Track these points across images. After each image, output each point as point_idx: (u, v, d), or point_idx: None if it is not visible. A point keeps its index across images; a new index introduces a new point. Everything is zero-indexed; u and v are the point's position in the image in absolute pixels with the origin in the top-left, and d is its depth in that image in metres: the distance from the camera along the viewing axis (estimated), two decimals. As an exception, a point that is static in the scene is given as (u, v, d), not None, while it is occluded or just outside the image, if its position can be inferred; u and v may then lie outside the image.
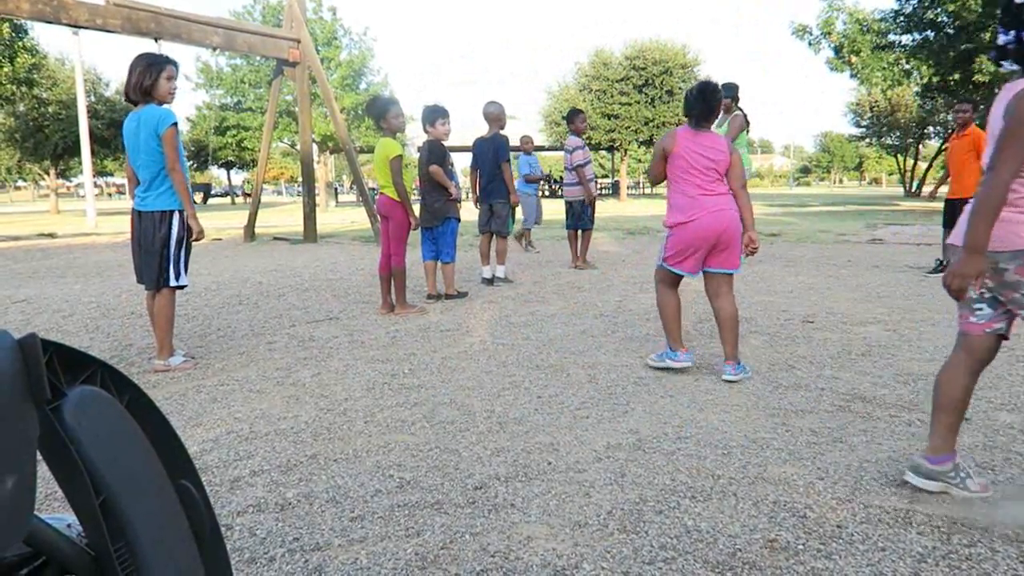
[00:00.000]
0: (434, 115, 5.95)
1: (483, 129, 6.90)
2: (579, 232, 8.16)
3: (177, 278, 3.93)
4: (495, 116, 6.78)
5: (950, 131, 37.04)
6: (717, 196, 3.60)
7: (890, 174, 74.96)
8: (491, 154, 6.73)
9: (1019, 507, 2.11)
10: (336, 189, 38.10)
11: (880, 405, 3.12)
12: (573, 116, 8.05)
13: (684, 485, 2.33)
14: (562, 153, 7.77)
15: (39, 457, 0.71)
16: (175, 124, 3.82)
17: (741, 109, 7.24)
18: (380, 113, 5.44)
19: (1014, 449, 2.59)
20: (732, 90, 7.86)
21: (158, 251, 3.86)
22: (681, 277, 3.75)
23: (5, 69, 23.62)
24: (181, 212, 3.90)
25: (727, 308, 3.62)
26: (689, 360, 3.74)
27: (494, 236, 7.02)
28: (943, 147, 40.33)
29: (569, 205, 8.10)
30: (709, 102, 3.61)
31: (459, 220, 6.18)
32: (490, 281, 6.93)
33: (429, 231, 6.13)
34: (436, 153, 5.99)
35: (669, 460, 2.54)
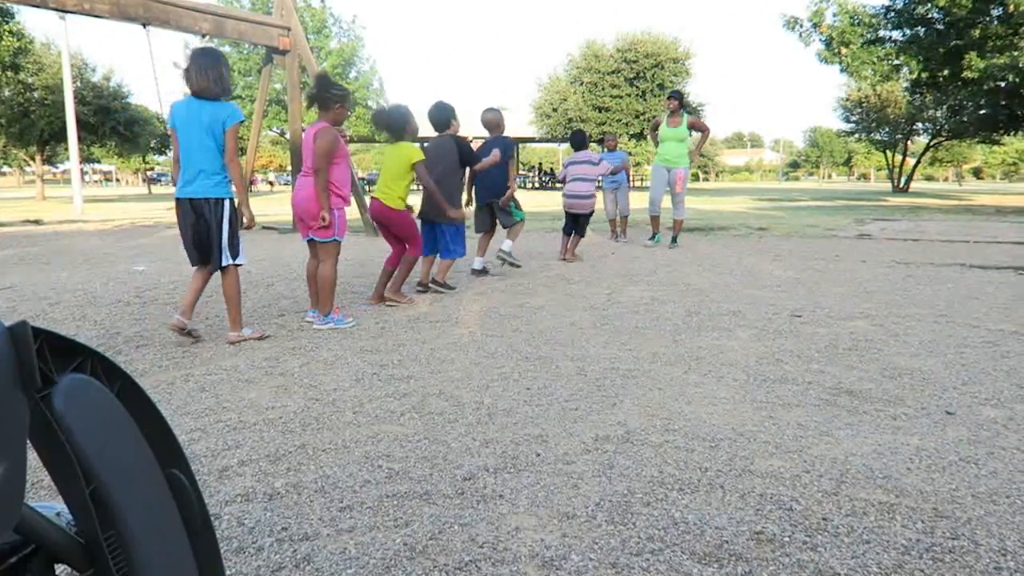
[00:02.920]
0: (452, 113, 6.01)
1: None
2: (573, 233, 8.26)
3: (234, 257, 4.24)
4: (495, 123, 6.71)
5: (938, 127, 37.30)
6: (307, 178, 4.61)
7: (878, 169, 75.33)
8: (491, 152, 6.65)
9: None
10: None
11: (866, 399, 3.14)
12: (584, 139, 8.43)
13: (672, 477, 2.34)
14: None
15: (28, 445, 0.71)
16: (243, 120, 4.12)
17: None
18: (402, 123, 5.34)
19: (998, 444, 2.62)
20: (679, 94, 9.44)
21: (217, 236, 4.16)
22: (314, 243, 4.73)
23: (-10, 53, 23.35)
24: (231, 199, 4.18)
25: (320, 270, 4.70)
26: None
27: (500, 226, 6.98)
28: (931, 143, 40.61)
29: (575, 217, 8.17)
30: (319, 96, 4.61)
31: None
32: (483, 271, 6.92)
33: (431, 226, 6.00)
34: (467, 149, 5.98)
35: (657, 452, 2.56)
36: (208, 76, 4.02)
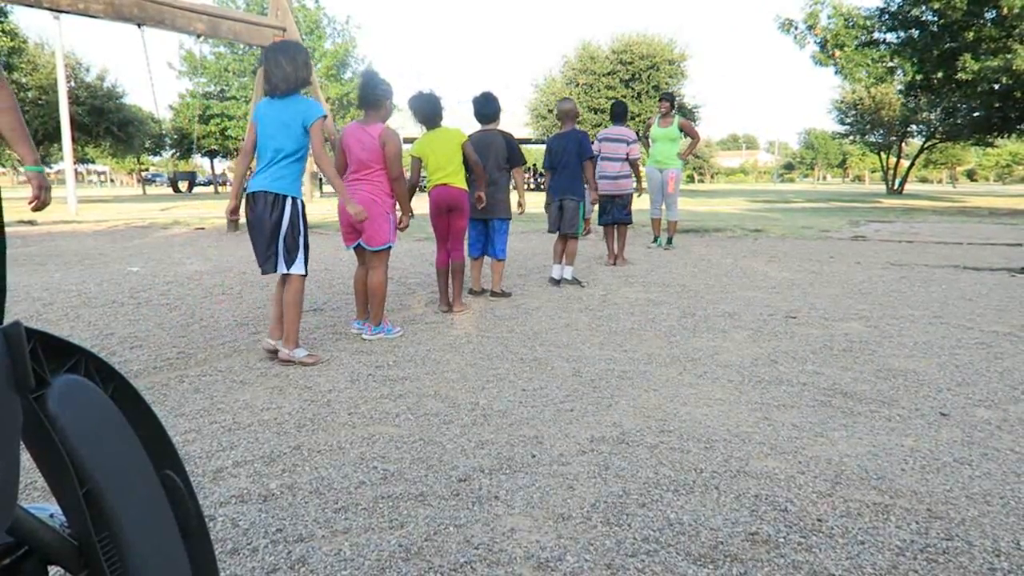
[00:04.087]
0: (499, 107, 5.85)
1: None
2: (615, 227, 7.90)
3: (289, 266, 3.85)
4: (574, 113, 6.57)
5: (932, 129, 37.43)
6: (359, 182, 4.34)
7: (873, 171, 75.54)
8: (573, 149, 6.45)
9: None
10: (320, 180, 37.85)
11: (861, 400, 3.15)
12: (626, 110, 8.13)
13: (667, 478, 2.34)
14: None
15: (22, 446, 0.71)
16: (325, 117, 3.85)
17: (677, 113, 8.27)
18: (440, 109, 5.21)
19: (991, 445, 2.62)
20: (671, 96, 9.46)
21: (270, 234, 3.81)
22: (362, 250, 4.45)
23: (-16, 53, 23.29)
24: (294, 199, 3.84)
25: (370, 278, 4.42)
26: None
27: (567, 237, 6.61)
28: (925, 145, 40.75)
29: (611, 199, 7.84)
30: (372, 96, 4.35)
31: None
32: (558, 282, 6.55)
33: (482, 224, 5.88)
34: (516, 147, 5.86)
35: (652, 453, 2.56)
36: (287, 66, 3.78)
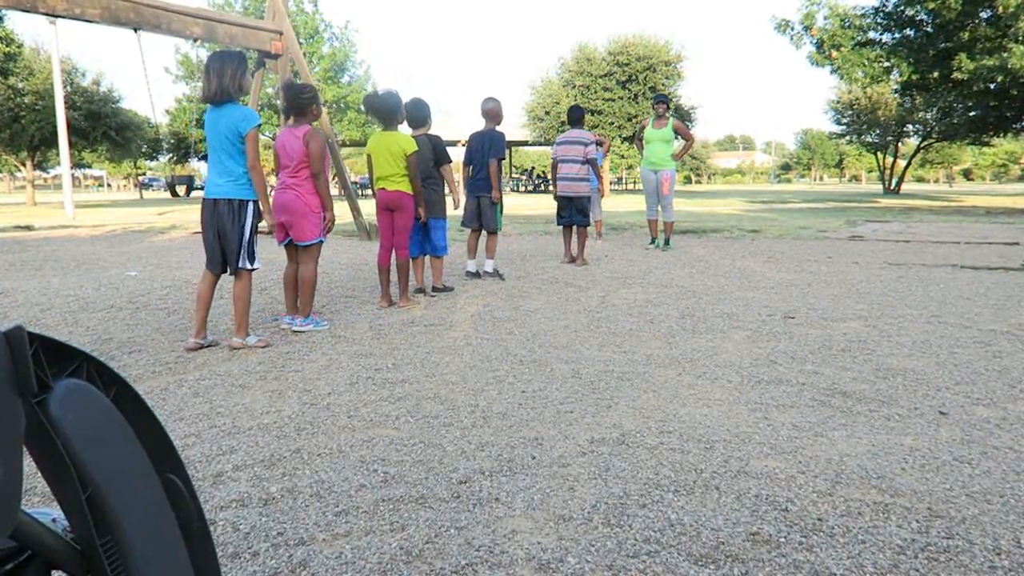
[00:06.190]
0: (429, 111, 6.04)
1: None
2: (574, 228, 8.05)
3: (252, 261, 4.24)
4: (493, 112, 6.77)
5: (929, 129, 37.51)
6: (289, 180, 4.62)
7: (870, 171, 75.68)
8: (486, 148, 6.72)
9: None
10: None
11: (860, 400, 3.15)
12: (583, 114, 8.26)
13: (667, 479, 2.34)
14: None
15: (24, 451, 0.71)
16: (259, 125, 4.15)
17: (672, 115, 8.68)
18: (395, 110, 5.40)
19: (991, 443, 2.63)
20: (666, 99, 9.52)
21: (236, 238, 4.17)
22: (293, 247, 4.78)
23: (-20, 58, 23.26)
24: (254, 202, 4.21)
25: (300, 272, 4.70)
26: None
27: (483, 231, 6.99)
28: (921, 145, 40.85)
29: (569, 200, 7.94)
30: (296, 104, 4.63)
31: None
32: (475, 274, 6.93)
33: (420, 224, 6.03)
34: (443, 149, 6.04)
35: (652, 454, 2.56)
36: (213, 80, 4.03)
